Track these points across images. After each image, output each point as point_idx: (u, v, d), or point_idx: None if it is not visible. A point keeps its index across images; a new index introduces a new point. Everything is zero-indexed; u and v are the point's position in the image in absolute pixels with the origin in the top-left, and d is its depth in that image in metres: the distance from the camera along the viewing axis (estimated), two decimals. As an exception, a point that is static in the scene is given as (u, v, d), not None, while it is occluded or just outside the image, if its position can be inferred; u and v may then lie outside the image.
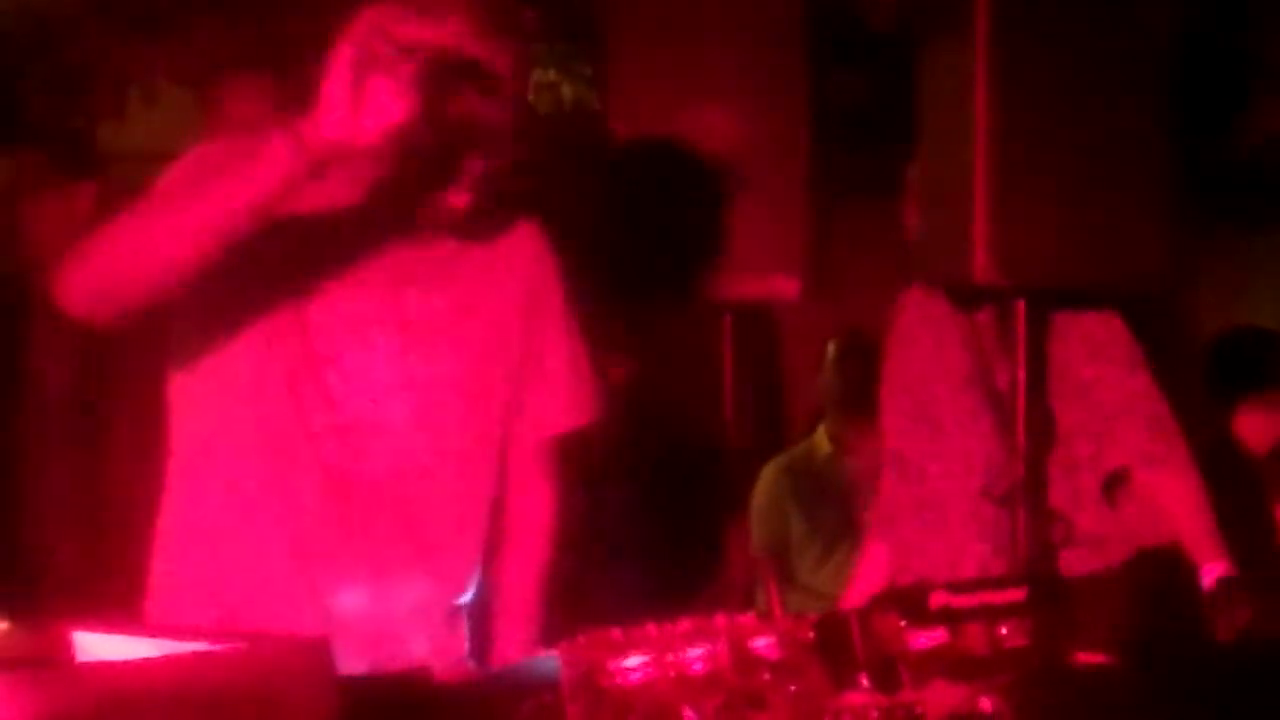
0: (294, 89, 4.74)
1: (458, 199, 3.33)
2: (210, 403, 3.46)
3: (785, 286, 4.78)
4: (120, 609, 3.48)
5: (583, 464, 3.83)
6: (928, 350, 4.72)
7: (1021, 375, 4.31)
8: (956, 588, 3.03)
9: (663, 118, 4.70)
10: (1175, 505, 4.66)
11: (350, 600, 3.44)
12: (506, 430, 3.58)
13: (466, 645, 3.57)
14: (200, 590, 3.45)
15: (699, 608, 3.10)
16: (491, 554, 3.62)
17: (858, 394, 5.42)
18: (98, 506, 4.60)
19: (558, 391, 3.64)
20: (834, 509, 6.06)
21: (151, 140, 5.52)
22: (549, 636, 3.43)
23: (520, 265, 3.60)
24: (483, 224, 3.48)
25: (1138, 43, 4.35)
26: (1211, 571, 4.57)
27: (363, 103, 2.99)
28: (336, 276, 3.38)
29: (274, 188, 3.07)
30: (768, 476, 6.11)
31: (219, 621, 3.32)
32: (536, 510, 3.70)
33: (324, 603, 3.41)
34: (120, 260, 3.22)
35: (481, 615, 3.63)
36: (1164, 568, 4.67)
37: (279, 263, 3.29)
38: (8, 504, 4.83)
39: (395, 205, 3.37)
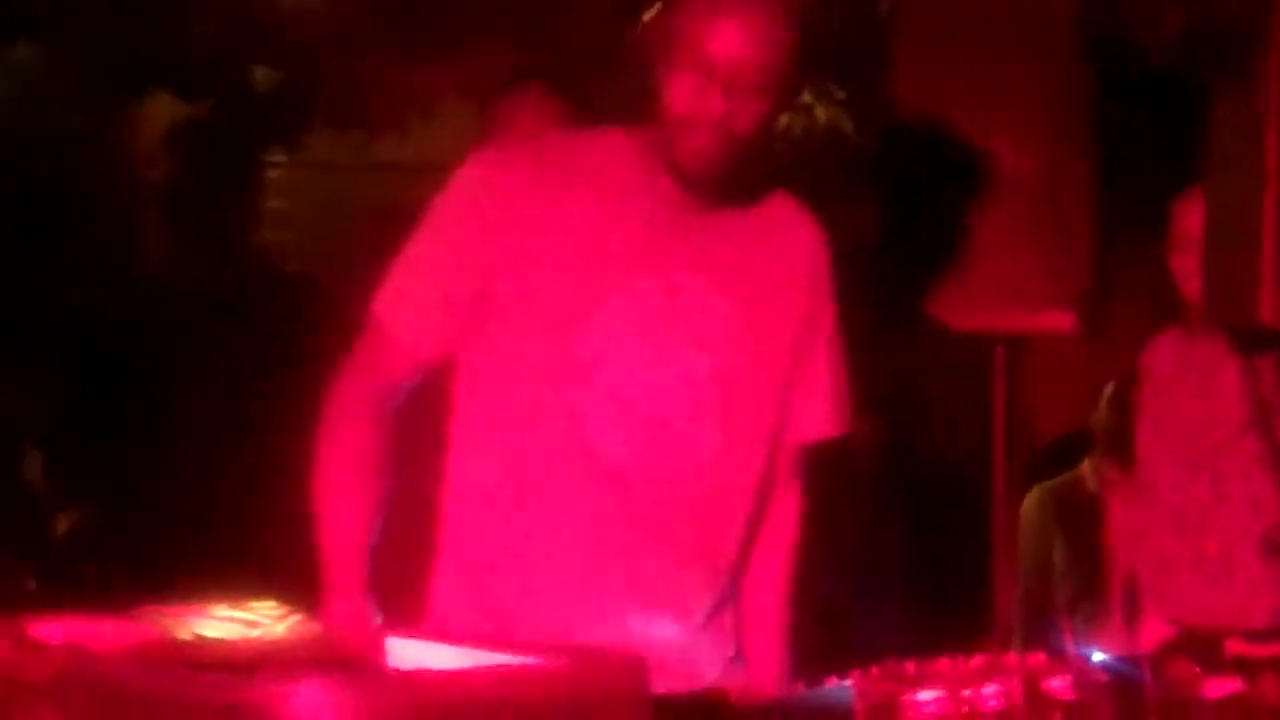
0: (576, 104, 4.85)
1: (702, 151, 3.43)
2: (495, 406, 3.56)
3: (1060, 320, 4.78)
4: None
5: (850, 485, 3.88)
6: (1199, 395, 4.69)
7: (1306, 423, 4.30)
8: (1252, 636, 3.05)
9: (947, 145, 4.72)
10: None
11: (635, 601, 3.52)
12: (778, 430, 3.66)
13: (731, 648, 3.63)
14: (482, 592, 3.54)
15: (959, 636, 3.15)
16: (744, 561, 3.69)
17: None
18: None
19: (821, 399, 3.71)
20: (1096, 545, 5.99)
21: (428, 152, 5.65)
22: (816, 652, 3.48)
23: (803, 270, 3.67)
24: (754, 204, 3.58)
25: None
26: None
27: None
28: (616, 268, 3.48)
29: None
30: (1033, 501, 6.06)
31: (500, 625, 3.41)
32: (787, 518, 3.76)
33: (610, 604, 3.49)
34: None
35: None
36: None
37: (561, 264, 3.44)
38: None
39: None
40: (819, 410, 3.70)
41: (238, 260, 5.44)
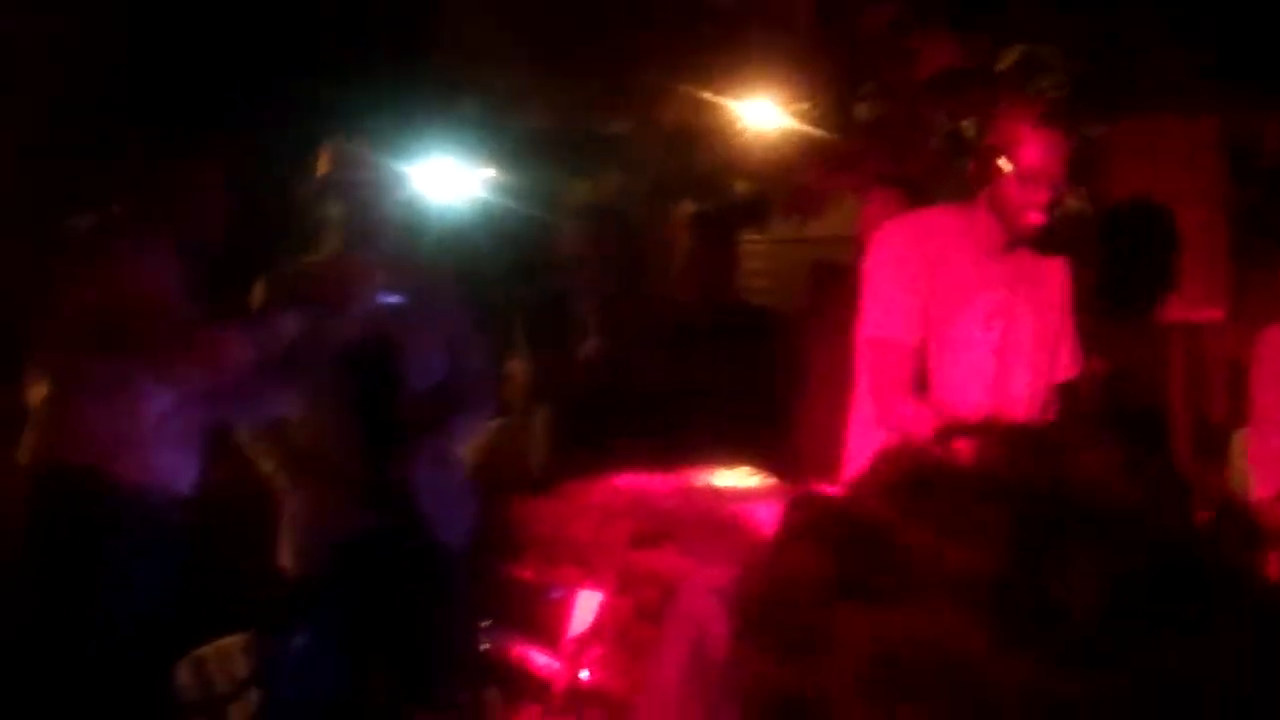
0: (915, 196, 4.87)
1: (1036, 218, 3.44)
2: None
3: (1214, 312, 4.68)
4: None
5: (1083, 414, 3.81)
6: None
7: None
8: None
9: (1142, 214, 4.67)
10: None
11: None
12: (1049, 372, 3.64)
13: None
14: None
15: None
16: None
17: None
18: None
19: (1068, 360, 3.69)
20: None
21: (838, 228, 5.69)
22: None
23: (1062, 285, 3.67)
24: (1039, 247, 3.58)
25: None
26: None
27: None
28: (968, 278, 3.50)
29: None
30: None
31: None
32: None
33: None
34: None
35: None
36: None
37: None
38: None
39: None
40: (1067, 364, 3.70)
41: (725, 298, 5.45)
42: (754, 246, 7.03)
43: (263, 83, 5.61)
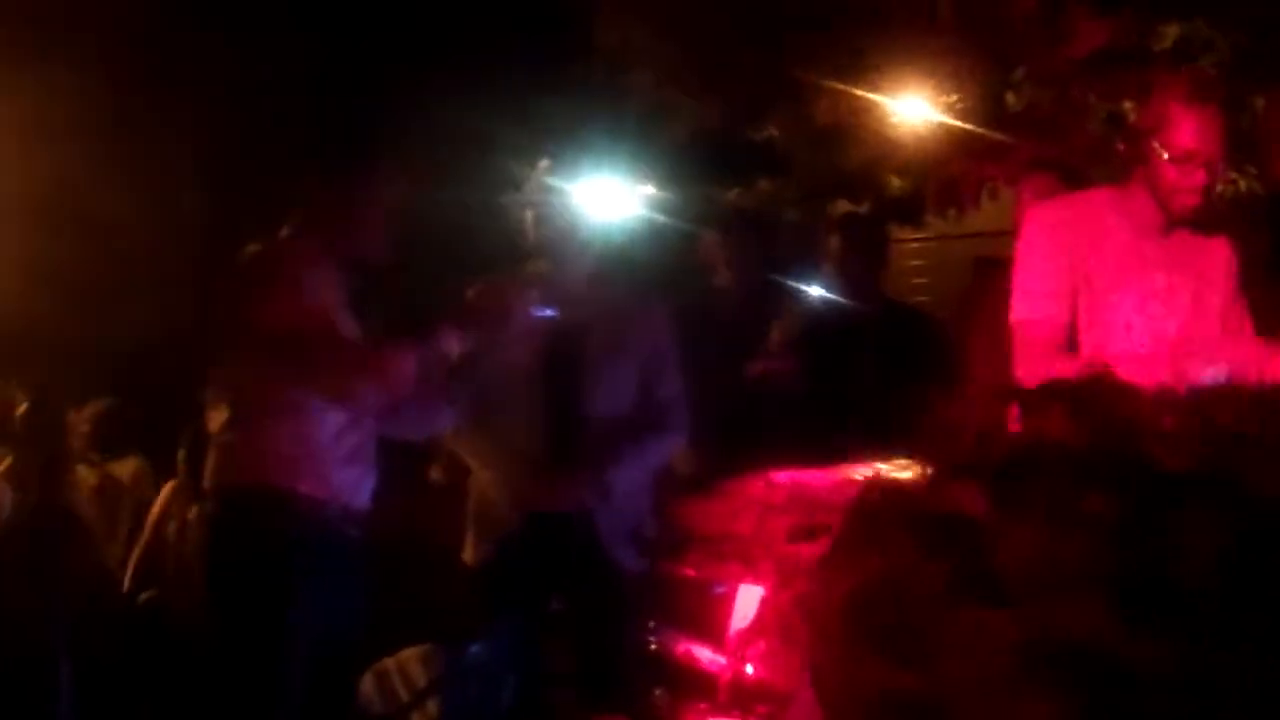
0: (1070, 181, 4.79)
1: (1191, 200, 3.36)
2: None
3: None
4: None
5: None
6: None
7: None
8: None
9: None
10: None
11: None
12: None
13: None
14: None
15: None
16: None
17: None
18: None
19: (1245, 339, 3.59)
20: None
21: (996, 221, 5.64)
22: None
23: (1226, 269, 3.57)
24: (1200, 228, 3.49)
25: None
26: None
27: None
28: (1124, 260, 3.44)
29: None
30: None
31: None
32: None
33: None
34: None
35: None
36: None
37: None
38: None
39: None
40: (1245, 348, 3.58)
41: (875, 295, 5.45)
42: (911, 245, 7.00)
43: (427, 105, 5.72)
